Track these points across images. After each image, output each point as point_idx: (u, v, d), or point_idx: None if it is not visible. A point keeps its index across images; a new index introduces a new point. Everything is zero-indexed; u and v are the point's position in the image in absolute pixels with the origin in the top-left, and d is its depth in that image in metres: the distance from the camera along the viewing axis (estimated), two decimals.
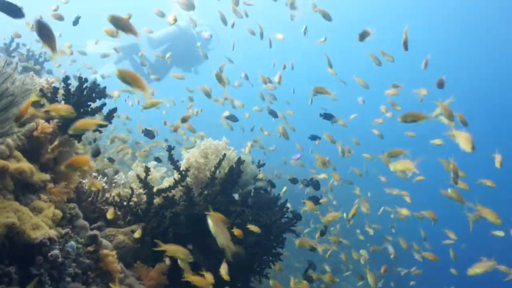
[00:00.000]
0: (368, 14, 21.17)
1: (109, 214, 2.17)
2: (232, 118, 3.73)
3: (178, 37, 7.65)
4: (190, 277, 1.92)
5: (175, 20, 3.49)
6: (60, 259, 1.57)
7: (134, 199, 2.52)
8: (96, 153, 2.43)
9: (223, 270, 2.00)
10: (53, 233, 1.53)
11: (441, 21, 21.92)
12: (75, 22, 3.66)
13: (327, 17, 3.45)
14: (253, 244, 2.33)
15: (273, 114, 4.06)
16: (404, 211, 4.09)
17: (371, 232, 4.98)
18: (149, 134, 2.62)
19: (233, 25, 4.28)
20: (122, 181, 2.66)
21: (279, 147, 6.27)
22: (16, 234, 1.42)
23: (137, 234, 2.19)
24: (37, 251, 1.49)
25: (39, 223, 1.50)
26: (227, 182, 2.32)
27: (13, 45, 3.77)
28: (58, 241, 1.62)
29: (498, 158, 2.87)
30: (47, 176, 1.80)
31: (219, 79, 3.26)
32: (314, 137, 3.52)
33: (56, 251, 1.53)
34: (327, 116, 3.29)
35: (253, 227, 2.25)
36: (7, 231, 1.38)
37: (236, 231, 2.11)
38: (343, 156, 4.14)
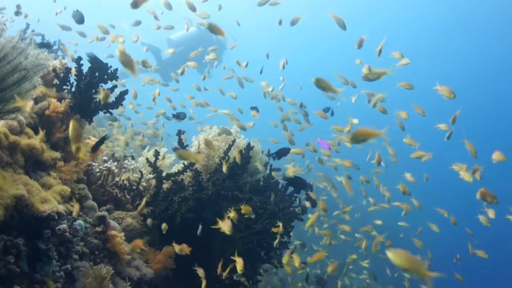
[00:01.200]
0: (363, 12, 20.91)
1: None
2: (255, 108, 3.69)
3: (197, 38, 7.67)
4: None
5: None
6: (67, 234, 1.58)
7: (143, 183, 2.53)
8: None
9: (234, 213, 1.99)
10: (61, 208, 1.54)
11: (441, 21, 21.68)
12: (80, 21, 3.47)
13: (341, 25, 3.32)
14: (260, 231, 2.32)
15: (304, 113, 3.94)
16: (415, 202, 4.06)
17: (379, 222, 4.96)
18: (179, 116, 2.64)
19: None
20: (132, 166, 2.68)
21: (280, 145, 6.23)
22: (24, 206, 1.44)
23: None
24: (45, 225, 1.51)
25: (48, 197, 1.51)
26: (236, 167, 2.31)
27: (28, 31, 3.82)
28: (66, 217, 1.63)
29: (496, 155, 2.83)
30: (57, 154, 1.82)
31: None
32: (326, 110, 3.44)
33: (64, 225, 1.54)
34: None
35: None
36: (16, 202, 1.39)
37: (244, 208, 2.10)
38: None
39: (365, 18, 20.91)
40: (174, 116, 2.70)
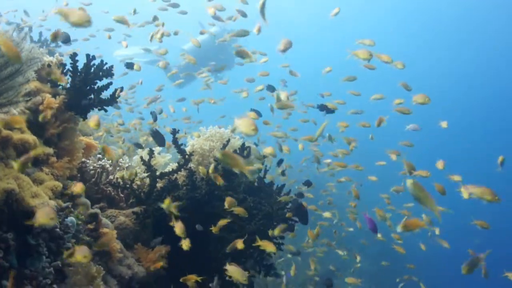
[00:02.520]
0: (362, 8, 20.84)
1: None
2: (269, 88, 3.64)
3: (210, 45, 7.67)
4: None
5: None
6: (58, 230, 1.57)
7: (137, 182, 2.52)
8: None
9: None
10: (52, 203, 1.53)
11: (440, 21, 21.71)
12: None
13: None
14: (254, 232, 2.31)
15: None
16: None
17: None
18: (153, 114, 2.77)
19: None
20: (126, 165, 2.67)
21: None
22: (15, 200, 1.43)
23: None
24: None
25: (39, 192, 1.50)
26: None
27: (26, 29, 3.82)
28: (58, 212, 1.62)
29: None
30: (50, 150, 1.81)
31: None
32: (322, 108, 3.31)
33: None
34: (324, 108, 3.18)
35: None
36: (6, 197, 1.38)
37: (238, 210, 2.11)
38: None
39: (364, 14, 20.90)
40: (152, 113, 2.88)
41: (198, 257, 2.31)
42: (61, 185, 1.69)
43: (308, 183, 3.42)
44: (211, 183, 2.28)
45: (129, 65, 3.36)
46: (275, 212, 2.43)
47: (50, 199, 1.57)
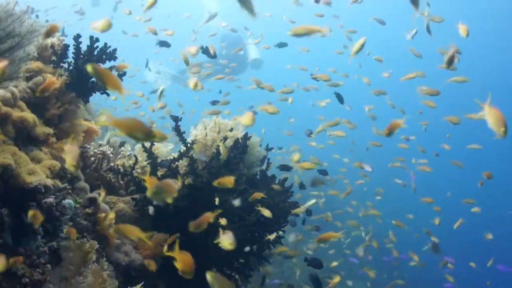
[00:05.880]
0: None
1: None
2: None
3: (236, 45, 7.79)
4: None
5: None
6: (54, 209, 1.54)
7: (138, 170, 2.49)
8: None
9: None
10: (49, 181, 1.49)
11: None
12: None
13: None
14: (253, 223, 2.27)
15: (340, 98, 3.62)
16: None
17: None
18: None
19: None
20: (128, 153, 2.64)
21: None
22: (11, 176, 1.40)
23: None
24: (31, 198, 1.46)
25: (36, 169, 1.47)
26: (232, 156, 2.27)
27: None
28: (55, 193, 1.59)
29: None
30: (50, 130, 1.78)
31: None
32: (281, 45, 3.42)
33: (51, 199, 1.50)
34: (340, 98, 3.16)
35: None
36: (1, 172, 1.36)
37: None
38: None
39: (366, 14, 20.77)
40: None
41: (197, 246, 2.27)
42: (59, 165, 1.66)
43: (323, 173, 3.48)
44: (212, 171, 2.25)
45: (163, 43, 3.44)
46: (276, 204, 2.39)
47: (47, 177, 1.54)
